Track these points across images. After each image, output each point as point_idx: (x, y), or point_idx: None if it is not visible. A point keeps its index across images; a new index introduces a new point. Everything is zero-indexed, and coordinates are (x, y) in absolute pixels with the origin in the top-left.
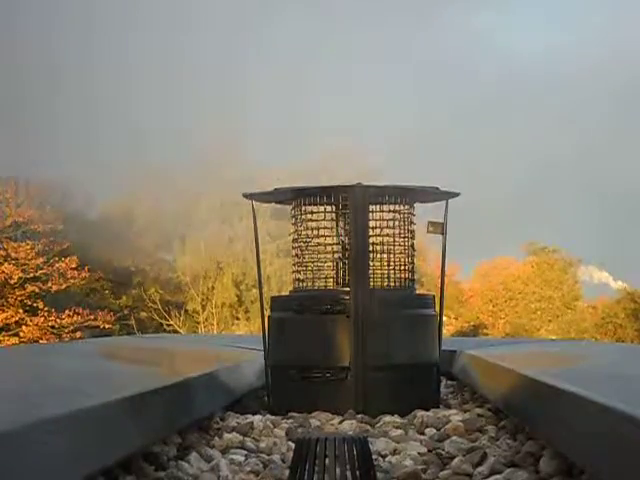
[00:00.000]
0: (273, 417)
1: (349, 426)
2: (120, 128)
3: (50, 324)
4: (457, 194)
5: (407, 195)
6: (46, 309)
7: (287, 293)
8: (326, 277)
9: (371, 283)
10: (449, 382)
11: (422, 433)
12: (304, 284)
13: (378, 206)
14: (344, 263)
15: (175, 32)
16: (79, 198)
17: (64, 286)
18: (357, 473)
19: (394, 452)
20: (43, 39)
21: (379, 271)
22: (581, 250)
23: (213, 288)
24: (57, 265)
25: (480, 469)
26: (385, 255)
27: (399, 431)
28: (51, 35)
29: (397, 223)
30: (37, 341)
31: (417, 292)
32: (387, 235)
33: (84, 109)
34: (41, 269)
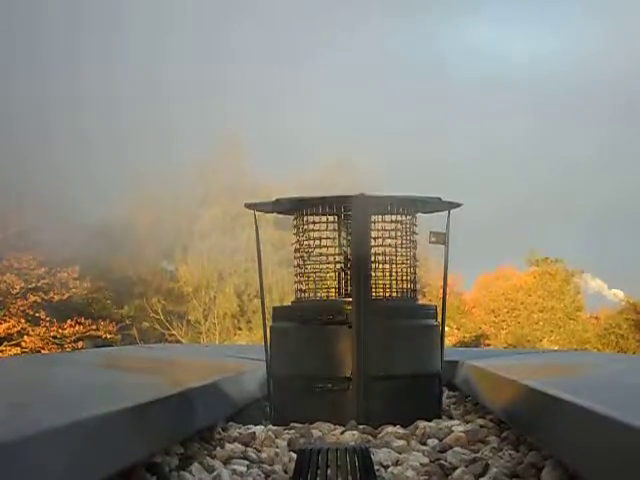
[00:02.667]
0: (275, 427)
1: (351, 437)
2: (121, 136)
3: (52, 334)
4: (459, 204)
5: (409, 205)
6: (48, 319)
7: (289, 303)
8: (328, 287)
9: (373, 293)
10: (451, 393)
11: (424, 444)
12: (306, 294)
13: (380, 216)
14: (346, 273)
15: (168, 32)
16: (80, 207)
17: (66, 296)
18: None
19: (396, 463)
20: (28, 40)
21: (381, 281)
22: (578, 259)
23: (215, 298)
24: (59, 275)
25: None
26: (387, 265)
27: (401, 442)
28: (37, 36)
29: (399, 233)
30: (39, 351)
31: (419, 302)
32: (389, 245)
33: (82, 115)
34: (43, 279)
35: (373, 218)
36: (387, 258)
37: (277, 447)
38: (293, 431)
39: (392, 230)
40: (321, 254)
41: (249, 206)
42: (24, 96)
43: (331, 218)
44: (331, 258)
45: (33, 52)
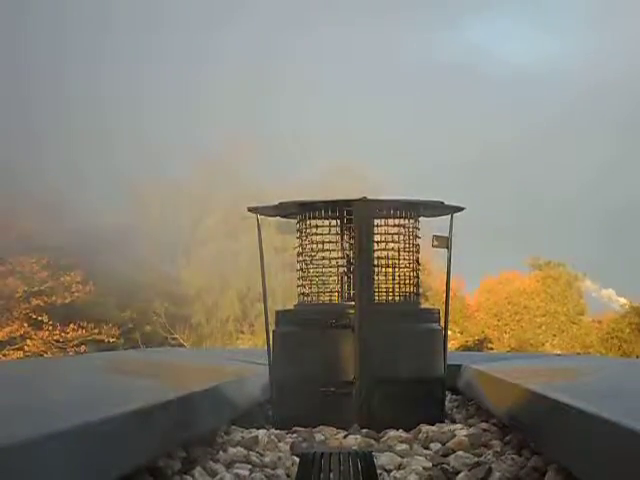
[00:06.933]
0: (278, 431)
1: (354, 441)
2: (124, 140)
3: (55, 338)
4: (462, 208)
5: (412, 209)
6: (51, 323)
7: (292, 307)
8: (331, 291)
9: (376, 297)
10: (454, 396)
11: (427, 448)
12: (309, 298)
13: (383, 220)
14: (349, 277)
15: (166, 33)
16: (84, 211)
17: (69, 300)
18: None
19: (399, 467)
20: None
21: (384, 285)
22: (580, 263)
23: (218, 302)
24: (62, 279)
25: None
26: (390, 269)
27: (404, 446)
28: (23, 37)
29: (402, 237)
30: (42, 355)
31: (422, 306)
32: (392, 249)
33: (72, 116)
34: (46, 283)
35: (376, 222)
36: (390, 262)
37: (280, 451)
38: (296, 435)
39: (395, 234)
40: (324, 258)
41: (252, 210)
42: (14, 98)
43: (334, 222)
44: (334, 262)
45: (19, 54)
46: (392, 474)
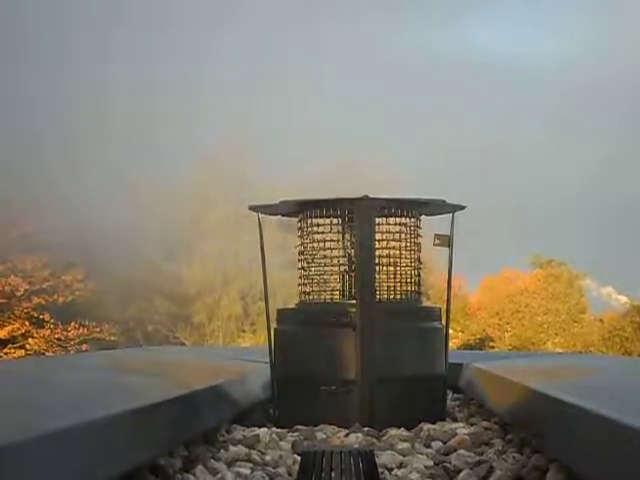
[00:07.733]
0: (279, 430)
1: (355, 439)
2: (125, 140)
3: (56, 336)
4: (463, 207)
5: (413, 208)
6: (52, 321)
7: (293, 306)
8: (332, 290)
9: (377, 295)
10: (455, 395)
11: (428, 446)
12: (310, 297)
13: (384, 219)
14: (350, 276)
15: (165, 33)
16: (85, 210)
17: (70, 298)
18: None
19: (400, 465)
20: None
21: (385, 284)
22: (581, 261)
23: (219, 300)
24: (63, 277)
25: None
26: (391, 268)
27: (405, 444)
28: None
29: (403, 236)
30: (43, 353)
31: (423, 305)
32: (393, 248)
33: (72, 115)
34: (47, 281)
35: (377, 221)
36: (391, 260)
37: (281, 450)
38: (297, 433)
39: (396, 232)
40: (325, 256)
41: (253, 208)
42: (14, 98)
43: (335, 220)
44: (335, 260)
45: (22, 52)
46: (393, 472)
